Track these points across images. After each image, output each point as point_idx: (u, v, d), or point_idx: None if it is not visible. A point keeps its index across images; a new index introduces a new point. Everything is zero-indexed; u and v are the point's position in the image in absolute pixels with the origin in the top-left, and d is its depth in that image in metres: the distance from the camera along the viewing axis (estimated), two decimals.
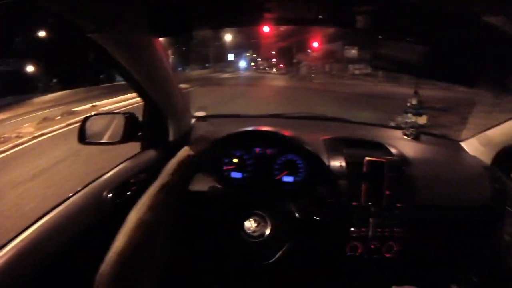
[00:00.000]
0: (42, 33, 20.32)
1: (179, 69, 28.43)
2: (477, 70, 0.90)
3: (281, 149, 1.22)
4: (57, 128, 9.01)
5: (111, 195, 0.99)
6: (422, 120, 1.55)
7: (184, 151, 0.82)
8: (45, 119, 10.05)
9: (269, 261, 1.12)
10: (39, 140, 8.04)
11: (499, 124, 1.36)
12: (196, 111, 1.56)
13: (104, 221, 0.92)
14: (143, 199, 0.67)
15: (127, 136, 1.16)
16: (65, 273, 0.83)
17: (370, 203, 1.16)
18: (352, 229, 1.15)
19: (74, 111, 10.91)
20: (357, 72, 24.14)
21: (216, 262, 1.26)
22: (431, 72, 0.95)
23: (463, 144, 1.58)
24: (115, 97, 13.06)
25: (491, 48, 0.87)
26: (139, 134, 1.22)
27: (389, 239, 1.18)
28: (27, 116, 12.06)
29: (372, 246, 1.17)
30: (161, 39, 1.02)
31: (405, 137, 1.58)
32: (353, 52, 23.20)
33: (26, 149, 7.35)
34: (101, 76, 23.94)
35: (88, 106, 11.53)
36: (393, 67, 1.06)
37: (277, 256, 1.12)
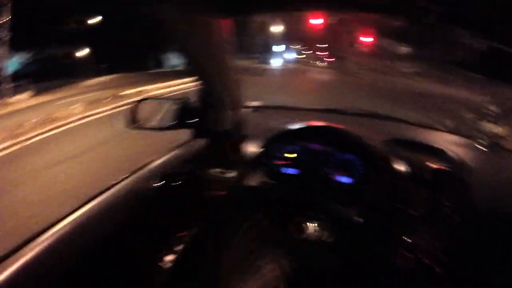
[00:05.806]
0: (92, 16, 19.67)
1: None
2: None
3: (339, 147, 1.14)
4: (103, 110, 9.47)
5: (159, 184, 1.01)
6: (499, 130, 1.41)
7: (235, 144, 0.88)
8: (92, 101, 10.44)
9: (319, 267, 1.06)
10: (85, 122, 8.53)
11: None
12: (247, 100, 1.48)
13: (152, 210, 0.97)
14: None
15: (178, 123, 1.14)
16: (114, 262, 0.84)
17: (427, 213, 1.05)
18: (407, 239, 1.02)
19: (121, 95, 11.26)
20: (405, 70, 22.87)
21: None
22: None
23: None
24: (163, 83, 13.61)
25: None
26: (190, 121, 1.18)
27: (444, 253, 1.03)
28: (75, 98, 12.21)
29: (426, 260, 1.03)
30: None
31: (479, 146, 1.43)
32: (404, 49, 22.07)
33: (73, 129, 7.86)
34: (150, 62, 24.72)
35: (134, 90, 11.84)
36: (448, 65, 0.82)
37: (324, 261, 1.06)
